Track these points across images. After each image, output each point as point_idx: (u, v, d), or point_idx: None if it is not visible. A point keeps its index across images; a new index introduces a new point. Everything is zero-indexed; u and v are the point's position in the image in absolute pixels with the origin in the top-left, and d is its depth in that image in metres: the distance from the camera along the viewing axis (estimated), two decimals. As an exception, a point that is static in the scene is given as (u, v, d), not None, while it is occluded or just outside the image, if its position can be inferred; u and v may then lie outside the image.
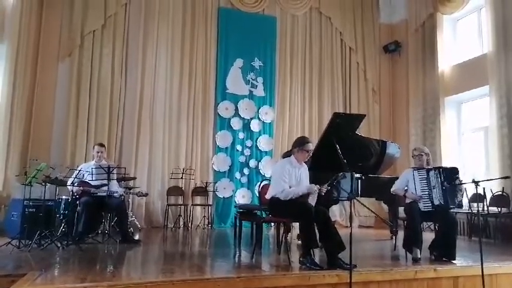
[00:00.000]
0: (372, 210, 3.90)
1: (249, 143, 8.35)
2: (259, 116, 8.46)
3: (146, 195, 5.99)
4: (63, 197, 5.37)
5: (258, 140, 8.40)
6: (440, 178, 4.26)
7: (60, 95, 7.25)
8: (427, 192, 4.29)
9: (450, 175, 4.26)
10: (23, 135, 6.59)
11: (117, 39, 7.67)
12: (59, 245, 4.50)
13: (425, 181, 4.33)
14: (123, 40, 7.74)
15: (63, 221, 5.22)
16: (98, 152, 5.50)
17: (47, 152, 6.94)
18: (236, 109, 8.31)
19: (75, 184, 5.08)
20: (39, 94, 7.09)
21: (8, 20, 5.97)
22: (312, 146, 4.08)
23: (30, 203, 5.02)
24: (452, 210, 4.39)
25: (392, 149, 5.85)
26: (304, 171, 4.12)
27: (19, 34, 6.19)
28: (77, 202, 5.10)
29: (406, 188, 4.50)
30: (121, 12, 7.76)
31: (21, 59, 6.28)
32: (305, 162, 4.15)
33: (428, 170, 4.37)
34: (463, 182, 4.26)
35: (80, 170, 5.17)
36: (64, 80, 7.29)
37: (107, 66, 7.53)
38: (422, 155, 4.47)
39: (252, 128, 8.37)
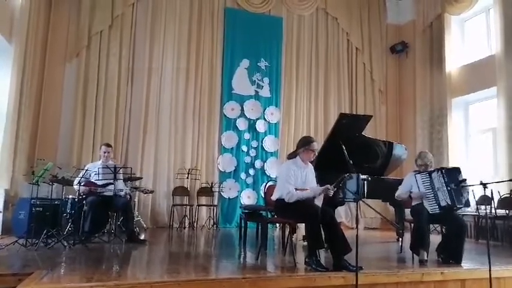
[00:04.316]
0: (378, 212, 3.86)
1: (254, 143, 8.34)
2: (265, 117, 8.46)
3: (152, 192, 6.01)
4: (70, 196, 5.41)
5: (264, 140, 8.39)
6: (444, 179, 4.18)
7: (67, 95, 7.31)
8: (432, 195, 4.21)
9: (453, 175, 4.21)
10: (30, 135, 6.64)
11: (124, 39, 7.72)
12: (65, 244, 4.52)
13: (428, 184, 4.25)
14: (130, 40, 7.78)
15: (70, 220, 5.26)
16: (105, 152, 5.51)
17: (54, 151, 7.00)
18: (242, 110, 8.31)
19: (82, 184, 5.11)
20: (46, 94, 7.16)
21: (16, 20, 6.01)
22: (317, 146, 4.04)
23: (37, 202, 5.06)
24: (460, 212, 4.33)
25: (398, 150, 5.82)
26: (310, 172, 4.09)
27: (27, 35, 6.23)
28: (84, 201, 5.12)
29: (410, 191, 4.45)
30: (128, 13, 7.80)
31: (29, 59, 6.32)
32: (310, 162, 4.13)
33: (430, 173, 4.30)
34: (466, 179, 4.19)
35: (86, 170, 5.20)
36: (71, 80, 7.35)
37: (114, 67, 7.58)
38: (427, 165, 4.40)
39: (257, 129, 8.37)
